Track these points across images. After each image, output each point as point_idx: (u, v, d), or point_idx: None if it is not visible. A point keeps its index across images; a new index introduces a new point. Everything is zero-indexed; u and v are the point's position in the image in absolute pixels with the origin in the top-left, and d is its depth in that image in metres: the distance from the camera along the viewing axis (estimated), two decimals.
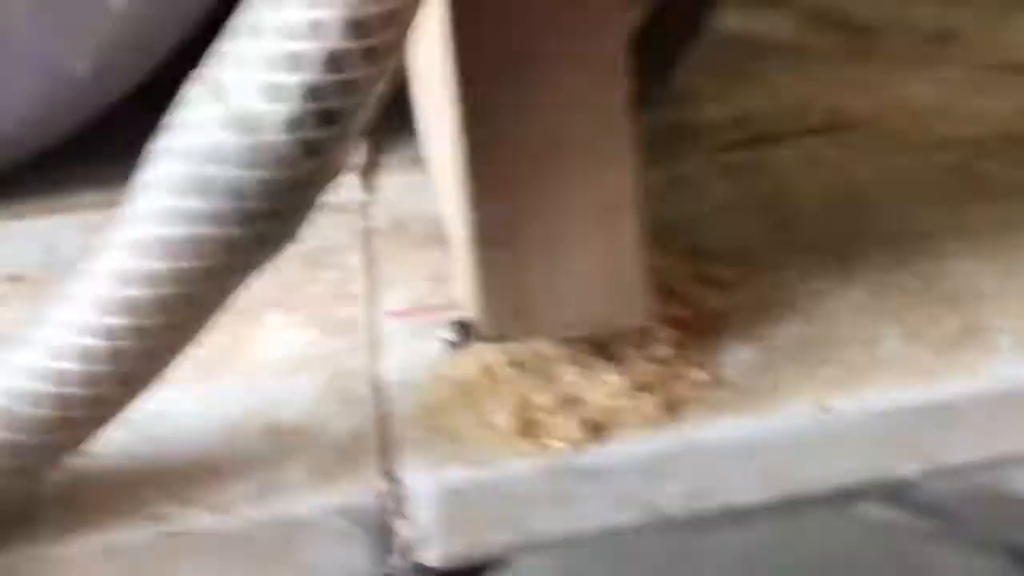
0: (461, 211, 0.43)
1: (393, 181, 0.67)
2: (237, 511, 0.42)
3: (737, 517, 0.44)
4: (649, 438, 0.43)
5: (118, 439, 0.44)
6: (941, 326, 0.47)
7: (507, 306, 0.43)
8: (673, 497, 0.43)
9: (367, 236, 0.63)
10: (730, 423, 0.44)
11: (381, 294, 0.55)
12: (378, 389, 0.47)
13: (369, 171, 0.69)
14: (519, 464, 0.43)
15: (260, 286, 0.58)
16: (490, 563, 0.47)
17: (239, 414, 0.46)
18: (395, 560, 0.43)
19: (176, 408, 0.46)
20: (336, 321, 0.53)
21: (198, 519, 0.41)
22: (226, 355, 0.51)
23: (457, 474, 0.42)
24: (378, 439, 0.44)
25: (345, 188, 0.66)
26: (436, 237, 0.60)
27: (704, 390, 0.45)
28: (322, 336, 0.51)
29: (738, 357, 0.47)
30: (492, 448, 0.43)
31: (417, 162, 0.65)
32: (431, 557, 0.43)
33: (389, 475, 0.43)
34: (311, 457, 0.43)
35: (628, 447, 0.43)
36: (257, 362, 0.50)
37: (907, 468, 0.44)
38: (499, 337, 0.44)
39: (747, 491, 0.43)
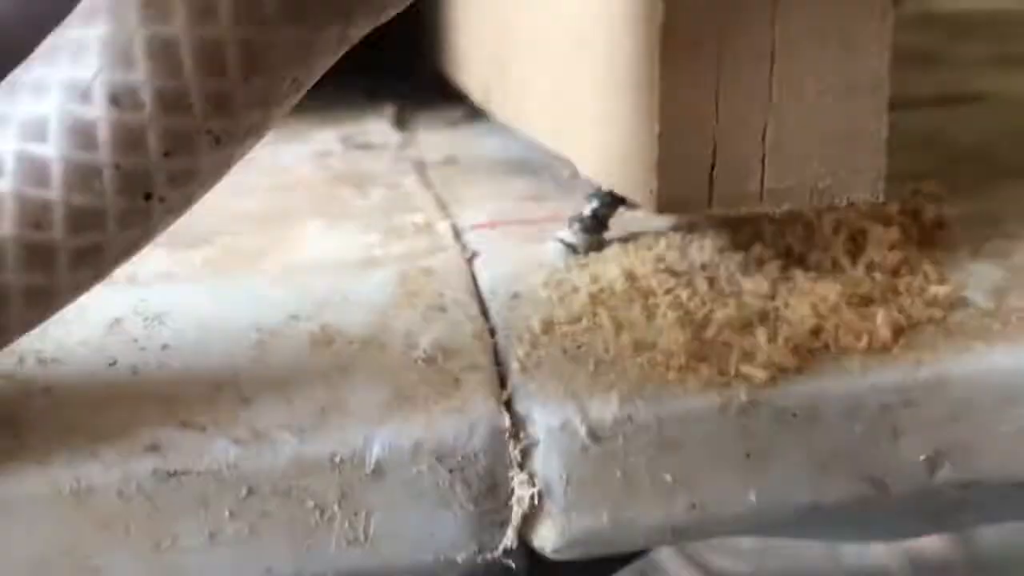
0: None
1: (427, 136, 0.55)
2: (273, 443, 0.28)
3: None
4: (881, 370, 0.30)
5: (94, 342, 0.31)
6: None
7: (697, 162, 0.29)
8: (908, 463, 0.30)
9: (419, 166, 0.49)
10: (992, 356, 0.30)
11: (452, 209, 0.41)
12: (477, 296, 0.33)
13: (401, 121, 0.56)
14: (698, 400, 0.29)
15: (294, 198, 0.47)
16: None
17: (274, 318, 0.32)
18: (504, 537, 0.29)
19: (181, 309, 0.33)
20: (401, 227, 0.39)
21: (215, 453, 0.27)
22: (251, 256, 0.37)
23: (608, 412, 0.29)
24: (484, 356, 0.30)
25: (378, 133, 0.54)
26: (500, 168, 0.47)
27: (948, 311, 0.32)
28: (385, 239, 0.38)
29: (982, 275, 0.34)
30: (655, 378, 0.29)
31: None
32: (553, 537, 0.29)
33: (506, 405, 0.29)
34: (381, 376, 0.29)
35: (853, 382, 0.30)
36: (297, 261, 0.36)
37: None
38: (679, 208, 0.30)
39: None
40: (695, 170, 0.29)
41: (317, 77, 0.26)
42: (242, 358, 0.30)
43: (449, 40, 0.56)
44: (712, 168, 0.29)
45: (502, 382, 0.29)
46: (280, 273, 0.35)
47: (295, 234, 0.39)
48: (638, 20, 0.29)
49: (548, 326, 0.31)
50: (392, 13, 0.26)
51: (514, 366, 0.30)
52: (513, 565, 0.28)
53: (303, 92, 0.26)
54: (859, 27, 0.29)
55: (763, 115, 0.29)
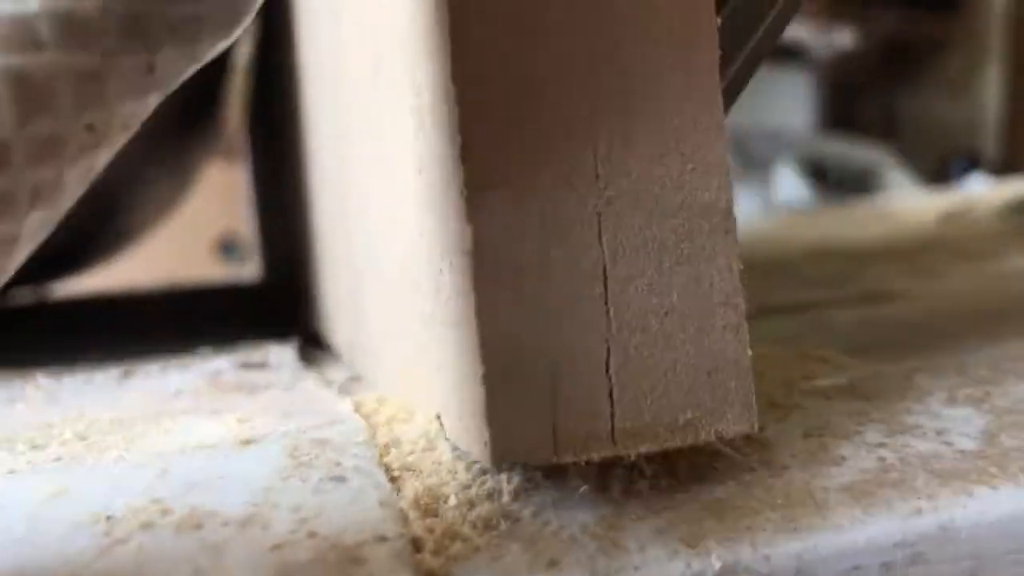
0: (432, 232, 0.27)
1: (332, 364, 0.50)
2: None
3: None
4: (875, 522, 0.25)
5: None
6: None
7: (533, 405, 0.24)
8: None
9: (320, 378, 0.45)
10: (997, 499, 0.26)
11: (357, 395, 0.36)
12: (381, 462, 0.27)
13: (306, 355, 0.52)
14: (666, 567, 0.23)
15: (172, 404, 0.42)
16: None
17: (129, 505, 0.26)
18: None
19: (12, 501, 0.26)
20: (291, 411, 0.33)
21: None
22: (110, 447, 0.31)
23: None
24: (393, 526, 0.24)
25: (277, 355, 0.50)
26: None
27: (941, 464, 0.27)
28: (272, 420, 0.32)
29: (962, 420, 0.29)
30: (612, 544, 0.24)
31: None
32: None
33: None
34: (261, 558, 0.23)
35: (845, 538, 0.24)
36: (164, 448, 0.30)
37: None
38: (519, 458, 0.24)
39: None
40: (532, 414, 0.24)
41: (125, 129, 0.21)
42: (85, 551, 0.24)
43: (320, 300, 0.53)
44: (552, 410, 0.24)
45: (420, 559, 0.23)
46: (141, 459, 0.29)
47: (166, 427, 0.33)
48: (451, 248, 0.25)
49: (463, 489, 0.25)
50: (212, 47, 0.21)
51: (429, 536, 0.24)
52: None
53: (108, 150, 0.21)
54: (699, 240, 0.26)
55: (603, 343, 0.25)
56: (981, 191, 1.38)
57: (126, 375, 0.48)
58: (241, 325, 0.64)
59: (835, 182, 1.78)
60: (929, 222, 1.13)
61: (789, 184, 1.73)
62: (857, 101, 2.14)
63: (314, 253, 0.56)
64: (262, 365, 0.48)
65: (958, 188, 1.53)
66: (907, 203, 1.32)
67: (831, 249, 0.92)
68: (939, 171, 1.91)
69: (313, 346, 0.54)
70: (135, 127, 0.22)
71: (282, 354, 0.50)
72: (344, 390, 0.39)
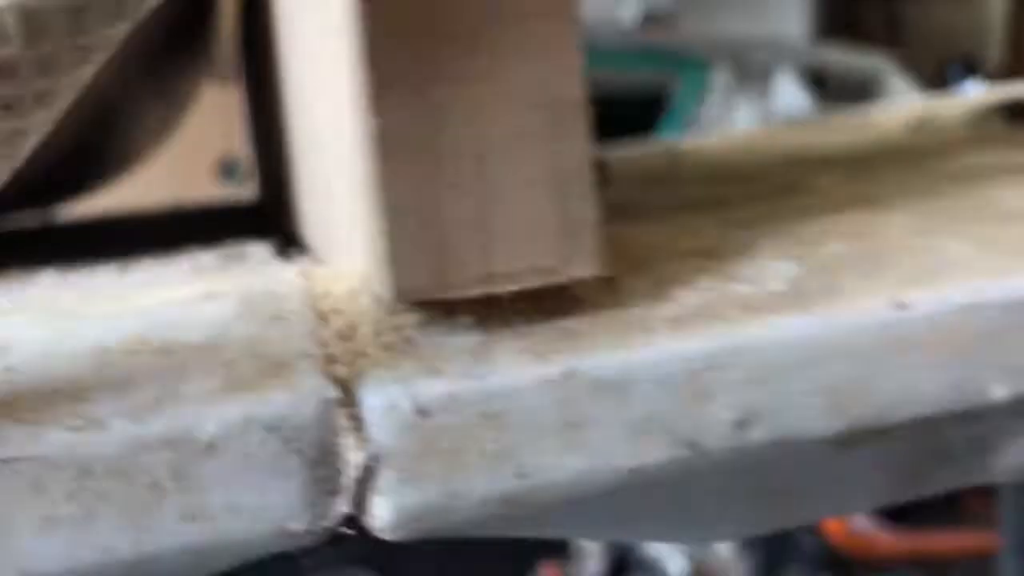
0: (353, 124, 0.34)
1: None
2: (109, 428, 0.29)
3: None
4: (687, 339, 0.32)
5: None
6: (1009, 236, 0.39)
7: (425, 253, 0.32)
8: (715, 424, 0.32)
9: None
10: (787, 323, 0.33)
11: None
12: (314, 307, 0.35)
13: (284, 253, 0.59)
14: (520, 374, 0.31)
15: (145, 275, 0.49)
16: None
17: (117, 338, 0.33)
18: (339, 503, 0.30)
19: (22, 337, 0.34)
20: (250, 278, 0.41)
21: (47, 439, 0.28)
22: (96, 301, 0.38)
23: (435, 388, 0.31)
24: (317, 348, 0.32)
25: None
26: None
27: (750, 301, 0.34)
28: (231, 286, 0.39)
29: (779, 272, 0.37)
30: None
31: None
32: (387, 515, 0.30)
33: (338, 381, 0.30)
34: (216, 371, 0.31)
35: (661, 351, 0.32)
36: (145, 304, 0.37)
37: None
38: (416, 295, 0.32)
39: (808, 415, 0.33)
40: (426, 261, 0.32)
41: (105, 50, 0.28)
42: (84, 370, 0.31)
43: (299, 204, 0.60)
44: (441, 258, 0.32)
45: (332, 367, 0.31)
46: (125, 309, 0.36)
47: (152, 293, 0.41)
48: (365, 135, 0.32)
49: (375, 324, 0.33)
50: None
51: (343, 354, 0.31)
52: (351, 532, 0.29)
53: (93, 66, 0.28)
54: (558, 128, 0.32)
55: (482, 206, 0.32)
56: (962, 97, 1.41)
57: (123, 270, 0.55)
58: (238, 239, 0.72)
59: (836, 91, 1.78)
60: (896, 129, 1.19)
61: (788, 94, 1.73)
62: (859, 7, 2.12)
63: (294, 165, 0.63)
64: (241, 256, 0.56)
65: (953, 94, 1.55)
66: (887, 112, 1.36)
67: (793, 157, 0.98)
68: (937, 77, 1.89)
69: (296, 248, 0.61)
70: (112, 49, 0.29)
71: (259, 248, 0.57)
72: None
